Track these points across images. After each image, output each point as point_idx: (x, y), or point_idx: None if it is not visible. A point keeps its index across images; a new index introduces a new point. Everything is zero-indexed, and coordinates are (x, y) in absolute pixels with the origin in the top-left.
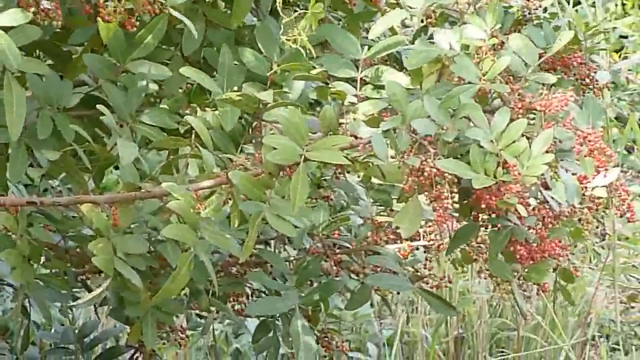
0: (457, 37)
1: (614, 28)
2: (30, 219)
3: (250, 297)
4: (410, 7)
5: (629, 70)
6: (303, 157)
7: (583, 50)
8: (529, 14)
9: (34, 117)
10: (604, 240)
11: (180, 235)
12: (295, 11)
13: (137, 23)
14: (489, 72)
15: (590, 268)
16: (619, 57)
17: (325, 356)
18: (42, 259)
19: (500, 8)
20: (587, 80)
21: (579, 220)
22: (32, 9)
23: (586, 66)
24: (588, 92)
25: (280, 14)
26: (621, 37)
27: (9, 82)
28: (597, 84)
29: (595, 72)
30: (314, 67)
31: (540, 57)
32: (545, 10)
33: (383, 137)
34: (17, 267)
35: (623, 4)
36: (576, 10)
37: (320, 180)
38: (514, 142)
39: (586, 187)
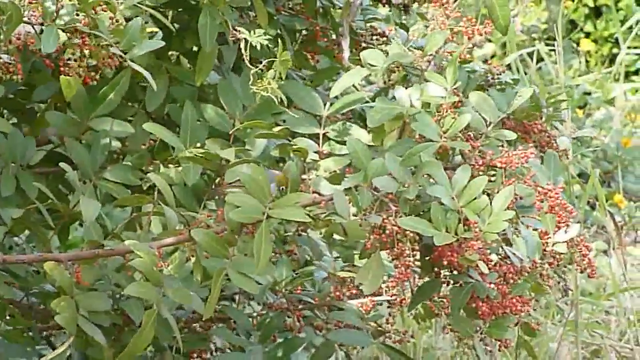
0: (418, 94)
1: (577, 85)
2: None
3: (214, 353)
4: (371, 65)
5: (592, 126)
6: (266, 214)
7: (544, 117)
8: (492, 78)
9: None
10: (566, 295)
11: (143, 293)
12: (259, 64)
13: (97, 77)
14: (449, 129)
15: (553, 324)
16: (583, 113)
17: None
18: (6, 316)
19: (464, 71)
20: (547, 148)
21: (540, 275)
22: None
23: (546, 134)
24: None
25: (248, 66)
26: (585, 93)
27: None
28: (558, 150)
29: (555, 140)
30: (277, 124)
31: (501, 120)
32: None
33: (344, 194)
34: None
35: (587, 61)
36: (539, 68)
37: (284, 236)
38: (475, 199)
39: (547, 243)
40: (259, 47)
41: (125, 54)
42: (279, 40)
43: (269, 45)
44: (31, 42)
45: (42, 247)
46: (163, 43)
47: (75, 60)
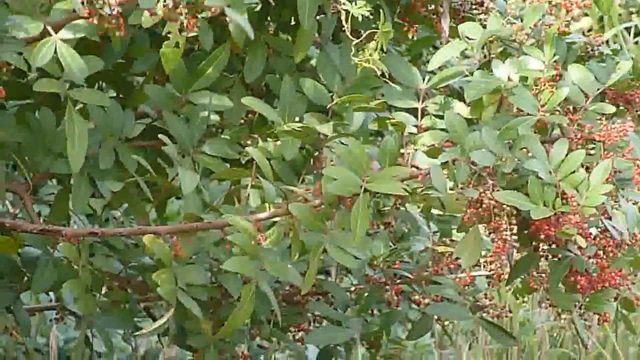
0: (516, 68)
1: None
2: (92, 249)
3: (311, 324)
4: (469, 38)
5: None
6: (363, 188)
7: None
8: (592, 50)
9: (96, 148)
10: None
11: (241, 268)
12: (359, 36)
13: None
14: (547, 103)
15: None
16: None
17: None
18: (104, 288)
19: (563, 43)
20: None
21: None
22: (96, 17)
23: None
24: None
25: (349, 37)
26: None
27: (70, 113)
28: None
29: None
30: (375, 98)
31: (602, 92)
32: (607, 43)
33: (442, 168)
34: (80, 297)
35: None
36: (636, 43)
37: (382, 210)
38: (572, 172)
39: None
40: (360, 19)
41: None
42: (380, 12)
43: (368, 17)
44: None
45: (140, 219)
46: None
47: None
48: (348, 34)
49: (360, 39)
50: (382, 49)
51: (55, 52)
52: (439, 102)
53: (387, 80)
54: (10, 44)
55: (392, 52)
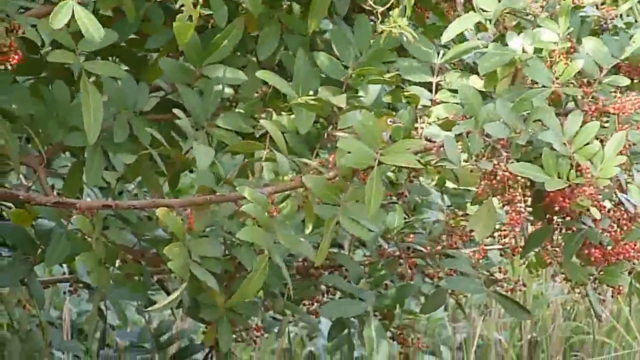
0: (530, 40)
1: None
2: (106, 222)
3: (325, 296)
4: (484, 10)
5: None
6: (377, 161)
7: None
8: (605, 24)
9: (110, 121)
10: None
11: (255, 239)
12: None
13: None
14: (562, 75)
15: None
16: None
17: (400, 353)
18: (118, 261)
19: (577, 16)
20: None
21: None
22: None
23: None
24: None
25: (372, 6)
26: None
27: (85, 85)
28: None
29: None
30: (389, 72)
31: (616, 65)
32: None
33: (456, 140)
34: (94, 270)
35: None
36: None
37: (396, 183)
38: (586, 144)
39: None
40: None
41: None
42: None
43: None
44: None
45: (154, 193)
46: None
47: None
48: (371, 2)
49: (382, 9)
50: (405, 15)
51: (73, 15)
52: (454, 76)
53: (403, 54)
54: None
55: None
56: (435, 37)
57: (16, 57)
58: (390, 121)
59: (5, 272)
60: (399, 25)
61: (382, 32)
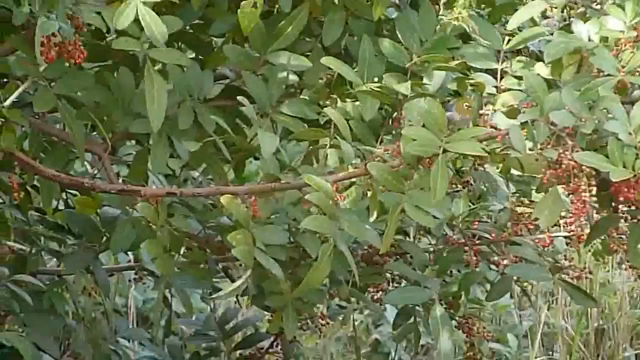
0: (597, 28)
1: None
2: (170, 210)
3: (390, 284)
4: None
5: None
6: (442, 148)
7: None
8: None
9: (174, 108)
10: None
11: (320, 227)
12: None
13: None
14: (628, 63)
15: None
16: None
17: (466, 342)
18: (183, 249)
19: None
20: None
21: None
22: None
23: None
24: None
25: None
26: None
27: (149, 73)
28: None
29: None
30: (453, 59)
31: None
32: None
33: (521, 128)
34: (158, 257)
35: None
36: None
37: (461, 170)
38: None
39: None
40: None
41: None
42: None
43: None
44: None
45: (218, 180)
46: None
47: None
48: None
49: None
50: (471, 5)
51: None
52: (520, 63)
53: (468, 40)
54: (90, 4)
55: (473, 14)
56: (507, 14)
57: (82, 55)
58: (467, 106)
59: (70, 259)
60: (462, 17)
61: (446, 20)
